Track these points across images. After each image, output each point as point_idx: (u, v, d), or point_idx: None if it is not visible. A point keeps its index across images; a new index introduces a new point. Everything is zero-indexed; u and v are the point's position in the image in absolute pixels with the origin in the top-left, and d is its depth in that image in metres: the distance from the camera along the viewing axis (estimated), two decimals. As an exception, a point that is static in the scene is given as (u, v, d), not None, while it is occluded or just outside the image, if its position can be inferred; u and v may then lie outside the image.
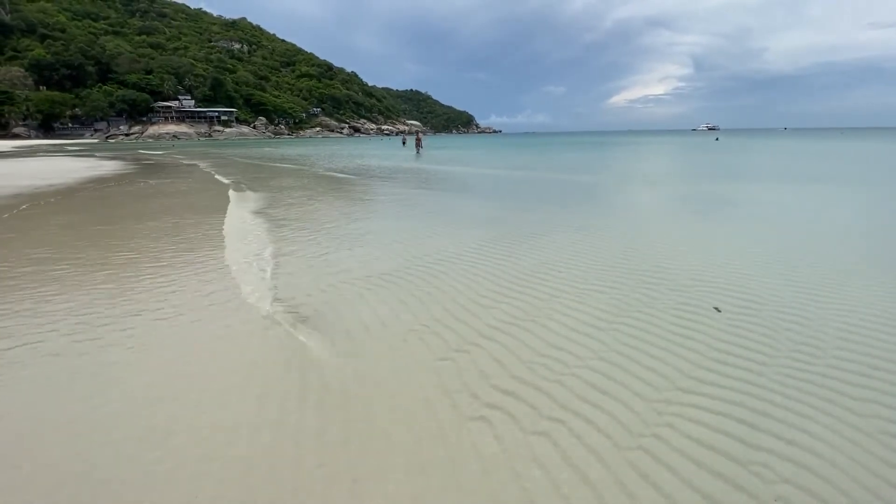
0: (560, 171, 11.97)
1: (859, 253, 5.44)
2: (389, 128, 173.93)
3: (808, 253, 5.43)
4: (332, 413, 2.46)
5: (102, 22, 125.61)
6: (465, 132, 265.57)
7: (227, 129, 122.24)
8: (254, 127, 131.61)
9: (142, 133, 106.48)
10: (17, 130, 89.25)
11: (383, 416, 2.43)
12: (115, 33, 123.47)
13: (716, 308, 3.73)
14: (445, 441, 2.23)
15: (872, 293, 4.06)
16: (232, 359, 3.04)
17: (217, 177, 16.32)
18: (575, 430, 2.28)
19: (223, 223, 7.48)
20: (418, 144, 32.28)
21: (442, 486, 1.96)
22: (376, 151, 36.50)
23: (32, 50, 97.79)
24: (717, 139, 61.83)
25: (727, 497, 1.87)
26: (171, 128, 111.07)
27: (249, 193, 11.48)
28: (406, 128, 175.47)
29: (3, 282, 4.61)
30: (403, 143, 45.27)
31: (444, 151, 33.76)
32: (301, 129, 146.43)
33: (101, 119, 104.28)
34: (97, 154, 35.98)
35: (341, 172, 16.81)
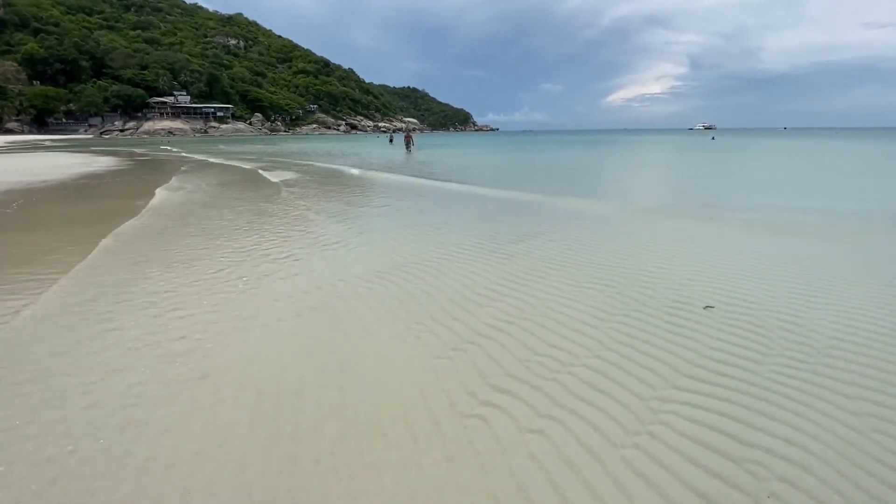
0: (550, 191, 10.89)
1: (854, 256, 5.49)
2: (386, 125, 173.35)
3: (803, 254, 5.47)
4: (329, 410, 2.46)
5: (97, 16, 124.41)
6: (462, 130, 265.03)
7: (223, 126, 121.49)
8: (250, 123, 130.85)
9: (137, 129, 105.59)
10: (10, 126, 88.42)
11: (380, 413, 2.44)
12: (110, 28, 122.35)
13: (709, 306, 3.76)
14: (442, 438, 2.24)
15: (866, 294, 4.10)
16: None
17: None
18: (571, 427, 2.29)
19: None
20: (408, 143, 31.92)
21: (439, 482, 1.97)
22: (361, 150, 35.68)
23: (26, 44, 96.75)
24: (713, 138, 62.11)
25: (721, 494, 1.88)
26: (167, 124, 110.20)
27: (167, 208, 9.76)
28: (403, 125, 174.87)
29: None
30: (390, 140, 45.46)
31: (435, 151, 33.37)
32: (298, 125, 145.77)
33: (96, 115, 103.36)
34: (70, 150, 35.68)
35: (289, 184, 13.50)
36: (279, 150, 36.83)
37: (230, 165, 20.39)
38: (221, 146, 46.37)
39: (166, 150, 36.04)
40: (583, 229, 6.76)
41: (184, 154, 31.11)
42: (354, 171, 16.77)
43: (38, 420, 2.39)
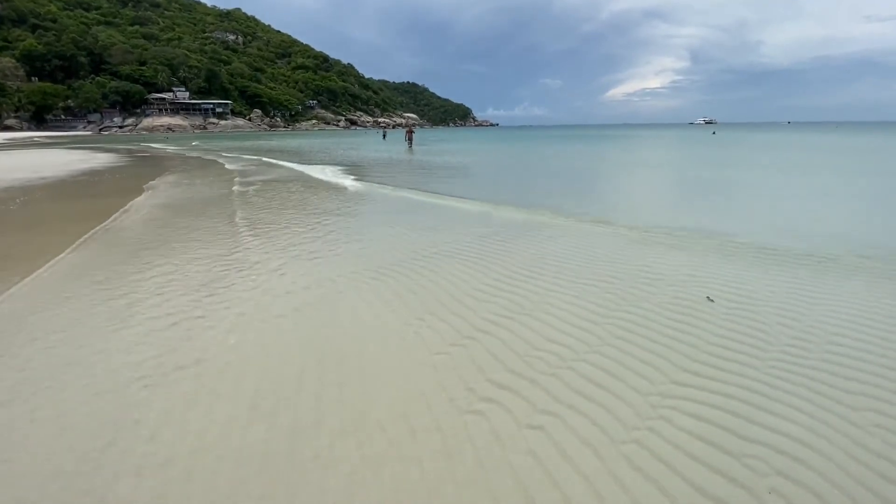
0: (553, 202, 8.30)
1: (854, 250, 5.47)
2: (386, 120, 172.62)
3: (804, 249, 5.45)
4: (328, 405, 2.46)
5: (94, 12, 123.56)
6: (462, 125, 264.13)
7: (223, 122, 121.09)
8: (249, 119, 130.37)
9: (136, 126, 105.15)
10: (9, 122, 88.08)
11: (379, 409, 2.43)
12: (108, 24, 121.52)
13: (709, 298, 3.75)
14: (441, 434, 2.23)
15: (866, 289, 4.08)
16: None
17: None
18: (570, 423, 2.29)
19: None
20: (410, 138, 32.01)
21: (438, 477, 1.97)
22: (358, 147, 34.34)
23: (24, 41, 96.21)
24: (713, 133, 62.14)
25: (721, 489, 1.88)
26: (166, 120, 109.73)
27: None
28: (403, 121, 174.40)
29: None
30: (384, 136, 45.95)
31: (435, 147, 33.01)
32: (297, 121, 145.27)
33: (95, 111, 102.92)
34: (68, 147, 35.60)
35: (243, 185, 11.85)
36: (271, 146, 36.66)
37: (213, 162, 20.34)
38: (195, 142, 45.89)
39: (147, 147, 35.86)
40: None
41: (169, 149, 31.08)
42: (345, 183, 12.42)
43: (37, 418, 2.39)
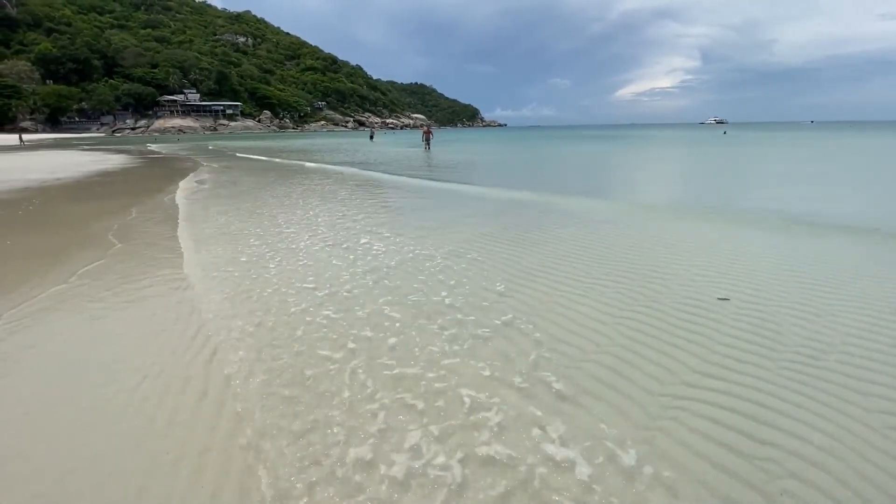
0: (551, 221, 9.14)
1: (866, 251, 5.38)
2: (394, 121, 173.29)
3: (813, 249, 5.38)
4: (339, 403, 2.47)
5: (108, 15, 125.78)
6: (469, 125, 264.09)
7: (232, 123, 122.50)
8: (258, 121, 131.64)
9: (147, 127, 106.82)
10: (24, 124, 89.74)
11: (386, 408, 2.44)
12: (121, 27, 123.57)
13: (724, 298, 3.71)
14: (448, 436, 2.23)
15: (880, 289, 4.02)
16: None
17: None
18: (578, 423, 2.28)
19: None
20: (427, 140, 31.89)
21: (444, 479, 1.97)
22: (360, 149, 32.06)
23: (39, 44, 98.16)
24: (724, 133, 61.70)
25: (733, 491, 1.86)
26: (177, 122, 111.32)
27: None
28: (411, 122, 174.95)
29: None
30: (371, 137, 46.53)
31: (444, 148, 32.72)
32: (306, 122, 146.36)
33: (108, 113, 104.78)
34: (82, 148, 36.11)
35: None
36: (270, 147, 36.91)
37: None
38: (151, 145, 46.49)
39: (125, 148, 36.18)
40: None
41: (163, 151, 31.54)
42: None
43: (52, 415, 2.43)
